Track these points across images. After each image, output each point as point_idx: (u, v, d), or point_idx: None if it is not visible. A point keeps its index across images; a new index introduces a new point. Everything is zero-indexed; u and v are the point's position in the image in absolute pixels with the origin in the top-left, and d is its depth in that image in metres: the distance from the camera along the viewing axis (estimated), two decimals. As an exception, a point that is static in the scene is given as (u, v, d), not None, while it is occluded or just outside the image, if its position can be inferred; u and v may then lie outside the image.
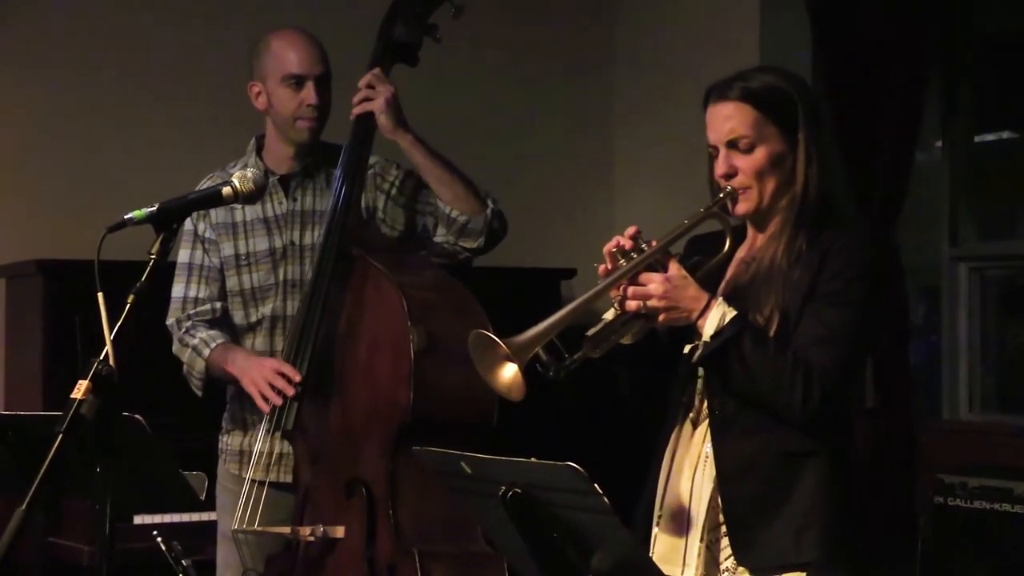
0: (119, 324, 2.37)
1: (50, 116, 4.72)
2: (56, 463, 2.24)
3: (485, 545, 3.24)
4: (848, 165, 4.88)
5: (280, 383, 3.26)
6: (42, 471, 2.23)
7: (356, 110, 3.43)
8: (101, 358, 2.29)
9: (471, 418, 3.25)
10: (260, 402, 3.29)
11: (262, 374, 3.28)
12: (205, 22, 4.84)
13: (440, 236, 3.46)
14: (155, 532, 2.90)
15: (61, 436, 2.24)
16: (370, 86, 3.43)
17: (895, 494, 4.87)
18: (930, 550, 4.50)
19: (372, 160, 3.50)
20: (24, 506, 2.22)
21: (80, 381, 2.28)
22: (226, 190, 2.57)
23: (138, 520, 4.00)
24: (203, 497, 3.29)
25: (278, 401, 3.27)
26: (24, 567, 4.10)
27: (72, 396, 2.27)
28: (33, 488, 2.23)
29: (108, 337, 2.31)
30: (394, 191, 3.50)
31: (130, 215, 2.45)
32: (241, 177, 2.58)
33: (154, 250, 2.45)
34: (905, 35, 4.84)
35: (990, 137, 5.50)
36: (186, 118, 4.76)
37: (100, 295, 2.35)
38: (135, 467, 2.50)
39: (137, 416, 2.50)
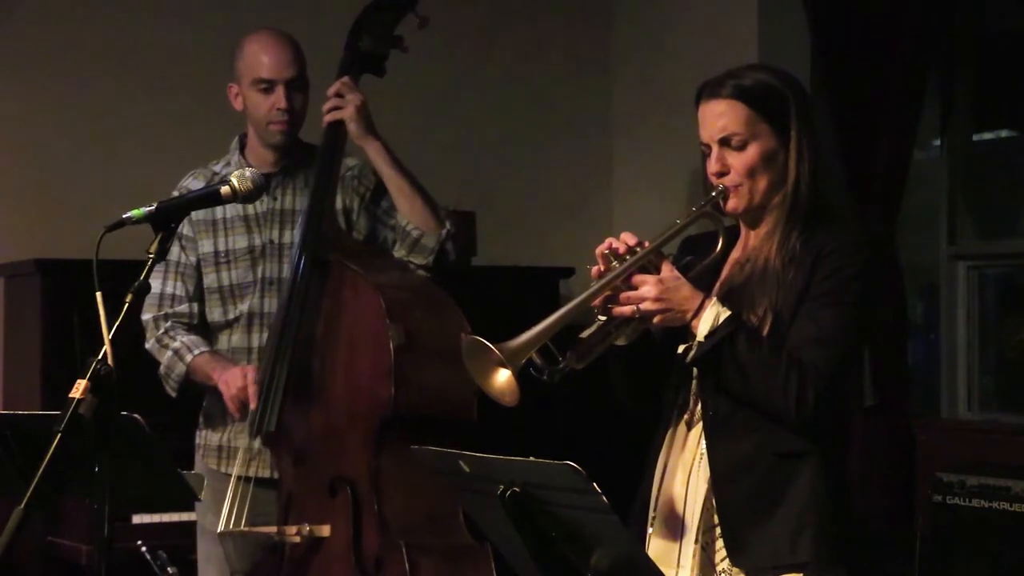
0: (117, 323, 2.37)
1: (49, 116, 4.71)
2: (54, 462, 2.23)
3: (469, 537, 3.29)
4: (847, 164, 4.89)
5: (251, 391, 3.30)
6: (40, 470, 2.23)
7: (327, 118, 3.49)
8: (99, 357, 2.28)
9: (451, 413, 3.30)
10: (230, 404, 3.34)
11: (236, 381, 3.32)
12: (205, 22, 4.83)
13: (396, 252, 3.53)
14: (139, 542, 2.89)
15: (59, 435, 2.24)
16: (339, 94, 3.48)
17: (893, 492, 4.87)
18: (928, 548, 4.51)
19: (352, 163, 3.57)
20: (23, 505, 2.21)
21: (78, 380, 2.27)
22: (224, 189, 2.55)
23: (136, 520, 4.01)
24: (201, 497, 3.31)
25: (252, 403, 3.30)
26: (23, 566, 4.12)
27: (70, 395, 2.26)
28: (31, 487, 2.22)
29: (106, 336, 2.30)
30: (368, 196, 3.57)
31: (128, 214, 2.45)
32: (240, 176, 2.56)
33: (152, 249, 2.44)
34: (903, 34, 4.84)
35: (988, 136, 5.50)
36: (185, 118, 4.76)
37: (99, 294, 2.34)
38: (134, 466, 2.50)
39: (136, 415, 2.49)
